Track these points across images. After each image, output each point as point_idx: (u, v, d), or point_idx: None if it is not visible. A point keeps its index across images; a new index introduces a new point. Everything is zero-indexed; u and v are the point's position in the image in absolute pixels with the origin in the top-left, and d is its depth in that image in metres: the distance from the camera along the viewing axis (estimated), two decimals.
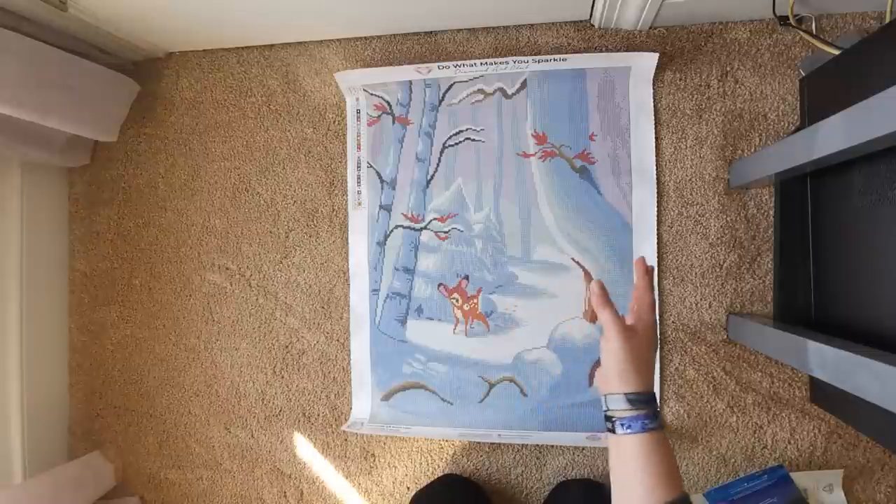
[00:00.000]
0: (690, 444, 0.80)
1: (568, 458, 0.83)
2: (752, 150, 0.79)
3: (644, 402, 0.46)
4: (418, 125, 0.86)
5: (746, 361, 0.79)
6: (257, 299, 0.92)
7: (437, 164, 0.86)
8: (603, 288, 0.51)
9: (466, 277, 0.84)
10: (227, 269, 0.93)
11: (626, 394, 0.46)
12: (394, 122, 0.87)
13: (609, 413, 0.47)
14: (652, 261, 0.80)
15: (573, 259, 0.81)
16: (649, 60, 0.77)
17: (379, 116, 0.87)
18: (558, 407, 0.82)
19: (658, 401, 0.46)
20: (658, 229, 0.80)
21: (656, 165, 0.80)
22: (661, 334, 0.80)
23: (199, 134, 0.94)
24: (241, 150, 0.93)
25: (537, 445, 0.83)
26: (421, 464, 0.87)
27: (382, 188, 0.87)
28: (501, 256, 0.83)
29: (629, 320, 0.51)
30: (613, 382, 0.47)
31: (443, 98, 0.85)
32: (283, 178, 0.91)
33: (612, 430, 0.46)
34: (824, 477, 0.76)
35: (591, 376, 0.81)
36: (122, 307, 0.96)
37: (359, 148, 0.88)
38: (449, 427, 0.84)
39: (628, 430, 0.45)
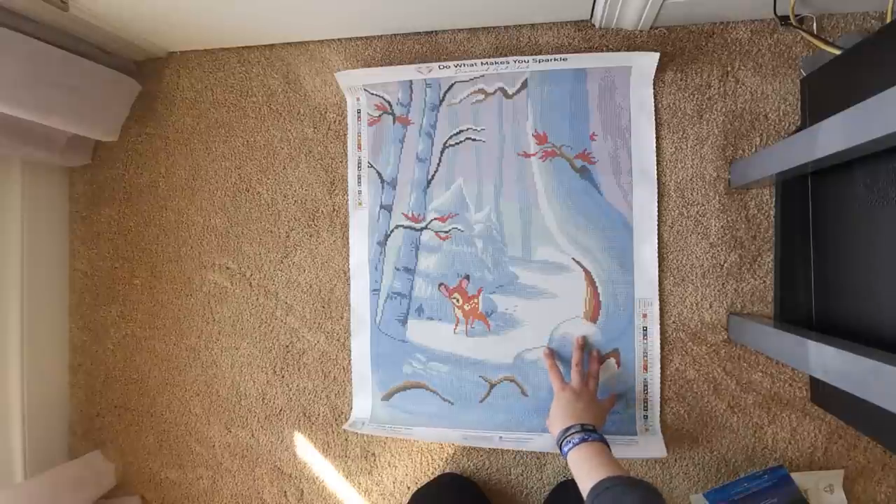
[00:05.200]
0: (691, 444, 0.80)
1: None
2: (753, 150, 0.79)
3: (574, 431, 0.64)
4: (419, 125, 0.86)
5: (747, 362, 0.79)
6: (258, 299, 0.92)
7: (438, 164, 0.86)
8: (550, 356, 0.79)
9: (467, 277, 0.84)
10: (227, 268, 0.93)
11: (563, 430, 0.66)
12: (394, 122, 0.87)
13: (559, 442, 0.65)
14: (653, 261, 0.80)
15: (574, 259, 0.81)
16: (650, 60, 0.77)
17: (380, 116, 0.87)
18: None
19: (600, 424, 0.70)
20: (659, 229, 0.80)
21: (657, 165, 0.80)
22: (661, 334, 0.80)
23: (199, 133, 0.94)
24: (242, 149, 0.93)
25: None
26: (421, 463, 0.87)
27: (383, 188, 0.87)
28: (502, 256, 0.83)
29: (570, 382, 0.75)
30: (556, 424, 0.68)
31: (443, 98, 0.85)
32: (284, 177, 0.91)
33: (561, 451, 0.64)
34: (825, 477, 0.76)
35: None
36: (122, 307, 0.97)
37: (359, 148, 0.88)
38: (449, 427, 0.84)
39: (569, 446, 0.63)
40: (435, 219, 0.86)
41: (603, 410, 0.73)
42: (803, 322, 0.72)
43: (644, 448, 0.77)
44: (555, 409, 0.71)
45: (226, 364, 0.93)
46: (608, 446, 0.62)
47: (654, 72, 0.78)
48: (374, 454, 0.88)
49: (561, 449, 0.64)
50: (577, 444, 0.62)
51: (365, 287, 0.88)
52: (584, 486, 0.55)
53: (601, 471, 0.55)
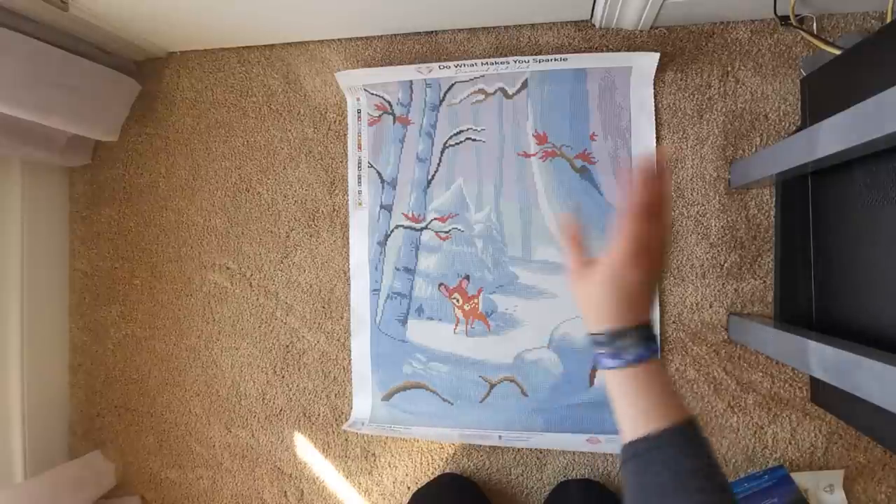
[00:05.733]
0: None
1: (568, 458, 0.83)
2: (753, 150, 0.78)
3: (630, 342, 0.40)
4: (419, 125, 0.86)
5: (747, 362, 0.79)
6: (258, 299, 0.92)
7: (438, 164, 0.86)
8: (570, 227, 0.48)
9: (467, 277, 0.84)
10: (227, 268, 0.93)
11: (592, 334, 0.41)
12: (394, 122, 0.87)
13: (597, 342, 0.41)
14: None
15: None
16: (650, 60, 0.77)
17: (380, 116, 0.87)
18: (559, 407, 0.82)
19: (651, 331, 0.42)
20: None
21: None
22: (661, 334, 0.80)
23: (199, 133, 0.94)
24: (242, 149, 0.93)
25: None
26: (421, 464, 0.87)
27: (383, 188, 0.87)
28: (502, 256, 0.83)
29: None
30: (590, 321, 0.42)
31: (443, 98, 0.85)
32: (284, 177, 0.91)
33: (599, 362, 0.41)
34: (825, 477, 0.76)
35: (592, 376, 0.81)
36: (122, 307, 0.97)
37: (359, 148, 0.88)
38: (449, 427, 0.84)
39: (616, 362, 0.40)
40: (435, 219, 0.86)
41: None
42: (803, 322, 0.72)
43: None
44: (587, 287, 0.44)
45: (226, 364, 0.93)
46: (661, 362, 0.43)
47: (654, 72, 0.78)
48: (374, 454, 0.88)
49: (599, 359, 0.41)
50: (628, 363, 0.39)
51: (365, 287, 0.88)
52: (625, 426, 0.39)
53: (650, 410, 0.38)
